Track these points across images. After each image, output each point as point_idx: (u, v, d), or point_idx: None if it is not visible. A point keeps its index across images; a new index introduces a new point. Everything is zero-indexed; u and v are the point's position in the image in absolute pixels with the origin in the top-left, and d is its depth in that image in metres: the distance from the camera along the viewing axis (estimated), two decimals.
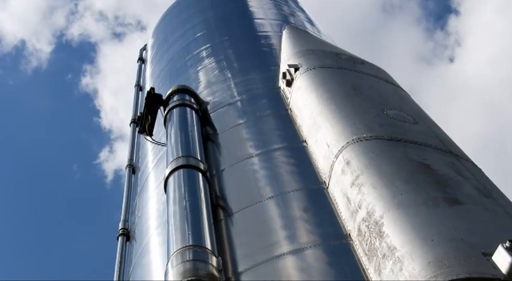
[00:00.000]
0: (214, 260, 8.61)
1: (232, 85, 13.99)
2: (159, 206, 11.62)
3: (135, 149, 16.27)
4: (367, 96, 11.13)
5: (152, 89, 14.04)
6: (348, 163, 9.29)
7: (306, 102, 11.41)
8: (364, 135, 9.60)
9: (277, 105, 12.48)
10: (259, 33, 16.43)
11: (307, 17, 19.20)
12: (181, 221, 9.44)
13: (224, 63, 15.32)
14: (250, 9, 18.41)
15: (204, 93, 14.27)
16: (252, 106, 12.75)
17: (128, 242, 12.54)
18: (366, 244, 8.15)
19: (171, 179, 10.78)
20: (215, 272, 8.42)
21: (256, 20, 17.46)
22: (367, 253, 8.10)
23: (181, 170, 10.81)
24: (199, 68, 15.88)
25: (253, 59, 15.13)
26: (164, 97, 13.75)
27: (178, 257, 8.61)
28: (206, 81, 14.99)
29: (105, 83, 56.39)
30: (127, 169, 15.35)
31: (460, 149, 10.25)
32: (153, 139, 13.98)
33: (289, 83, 12.47)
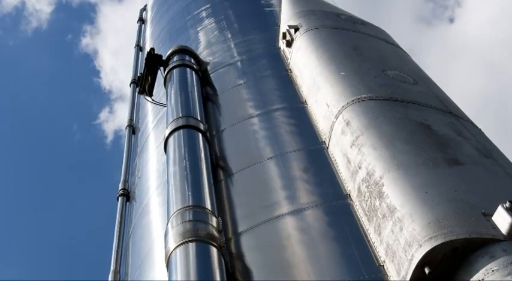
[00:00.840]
0: (214, 221, 8.58)
1: (232, 45, 13.90)
2: (159, 166, 11.59)
3: (135, 110, 16.21)
4: (367, 56, 11.05)
5: (152, 49, 13.96)
6: (347, 123, 9.23)
7: (306, 63, 11.33)
8: (364, 96, 9.53)
9: (277, 65, 12.40)
10: None
11: None
12: (181, 182, 9.40)
13: (224, 23, 15.22)
14: None
15: (204, 53, 14.18)
16: (252, 66, 12.67)
17: (128, 203, 12.52)
18: (366, 205, 8.12)
19: (171, 139, 10.73)
20: (215, 233, 8.39)
21: None
22: (367, 213, 8.07)
23: (181, 131, 10.76)
24: (199, 28, 15.78)
25: (253, 19, 15.02)
26: (164, 57, 13.67)
27: (178, 217, 8.58)
28: (206, 41, 14.90)
29: (105, 44, 56.16)
30: (127, 130, 15.30)
31: (460, 109, 10.19)
32: (153, 99, 13.91)
33: (289, 44, 12.38)
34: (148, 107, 14.65)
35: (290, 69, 12.01)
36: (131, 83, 17.30)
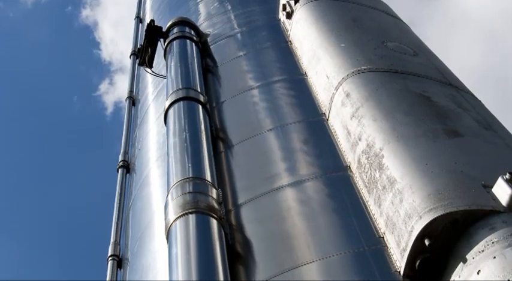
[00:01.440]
0: (214, 192, 8.54)
1: (232, 17, 13.81)
2: (159, 138, 11.54)
3: (135, 81, 16.16)
4: (367, 28, 10.98)
5: (152, 21, 13.89)
6: (347, 95, 9.18)
7: (306, 35, 11.25)
8: (364, 68, 9.47)
9: (277, 37, 12.32)
10: None
11: None
12: (181, 153, 9.37)
13: None
14: None
15: (204, 25, 14.09)
16: (252, 38, 12.59)
17: (127, 174, 12.49)
18: (366, 176, 8.08)
19: (171, 111, 10.68)
20: (215, 205, 8.35)
21: None
22: (367, 185, 8.03)
23: (181, 102, 10.71)
24: (199, 0, 15.67)
25: None
26: (164, 29, 13.59)
27: (178, 189, 8.54)
28: (206, 13, 14.80)
29: (105, 15, 55.97)
30: (127, 101, 15.26)
31: (460, 81, 10.14)
32: (153, 71, 13.85)
33: (289, 15, 12.29)
34: (148, 78, 14.59)
35: (290, 41, 11.94)
36: (131, 54, 17.22)
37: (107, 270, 10.26)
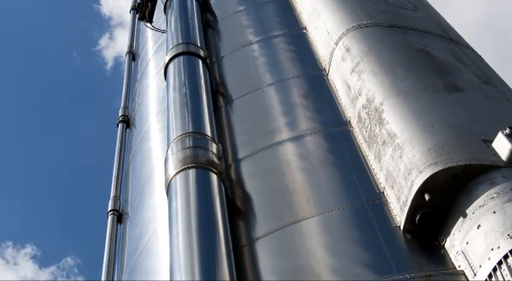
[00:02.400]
0: (214, 147, 8.46)
1: None
2: (159, 93, 11.46)
3: (135, 36, 16.03)
4: None
5: None
6: (348, 50, 9.08)
7: None
8: (364, 22, 9.36)
9: None
10: None
11: None
12: (181, 108, 9.28)
13: None
14: None
15: None
16: None
17: (127, 129, 12.43)
18: (366, 131, 8.00)
19: (171, 66, 10.58)
20: (215, 159, 8.28)
21: None
22: (367, 139, 7.96)
23: (181, 57, 10.61)
24: None
25: None
26: None
27: (178, 144, 8.47)
28: None
29: None
30: (127, 56, 15.14)
31: (460, 35, 10.04)
32: (153, 26, 13.73)
33: None
34: (148, 33, 14.46)
35: None
36: (131, 9, 17.05)
37: (107, 225, 10.23)
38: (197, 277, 6.56)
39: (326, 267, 6.78)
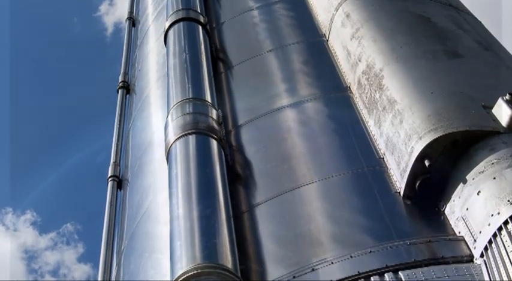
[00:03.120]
0: (214, 113, 8.39)
1: None
2: (159, 59, 11.36)
3: (135, 2, 15.86)
4: None
5: None
6: (348, 16, 8.99)
7: None
8: None
9: None
10: None
11: None
12: (181, 74, 9.20)
13: None
14: None
15: None
16: None
17: (127, 95, 12.35)
18: (366, 97, 7.93)
19: (171, 32, 10.48)
20: (215, 125, 8.22)
21: None
22: (367, 105, 7.89)
23: (181, 23, 10.50)
24: None
25: None
26: None
27: (178, 110, 8.39)
28: None
29: None
30: (127, 22, 14.99)
31: (460, 2, 9.92)
32: None
33: None
34: None
35: None
36: None
37: (106, 191, 10.18)
38: (197, 242, 6.52)
39: (326, 233, 6.74)
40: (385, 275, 6.09)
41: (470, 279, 5.95)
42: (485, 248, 5.97)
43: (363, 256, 6.33)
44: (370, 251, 6.34)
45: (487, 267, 5.93)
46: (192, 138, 7.94)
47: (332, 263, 6.36)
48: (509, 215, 5.85)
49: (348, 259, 6.34)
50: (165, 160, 8.13)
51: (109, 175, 10.41)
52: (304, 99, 8.47)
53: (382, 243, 6.38)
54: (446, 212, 6.58)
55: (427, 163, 6.61)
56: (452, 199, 6.52)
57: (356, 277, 6.16)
